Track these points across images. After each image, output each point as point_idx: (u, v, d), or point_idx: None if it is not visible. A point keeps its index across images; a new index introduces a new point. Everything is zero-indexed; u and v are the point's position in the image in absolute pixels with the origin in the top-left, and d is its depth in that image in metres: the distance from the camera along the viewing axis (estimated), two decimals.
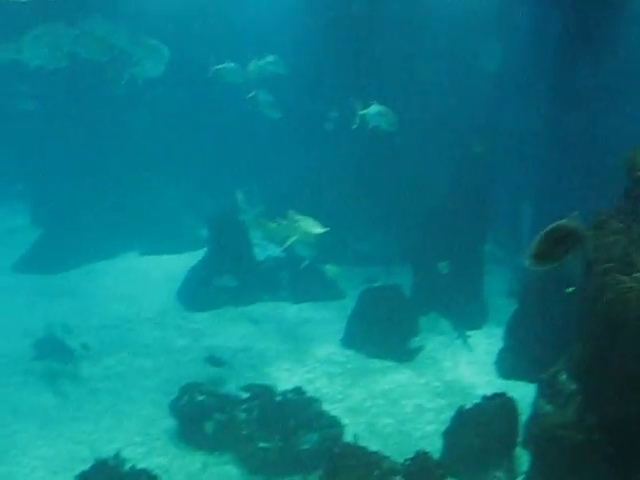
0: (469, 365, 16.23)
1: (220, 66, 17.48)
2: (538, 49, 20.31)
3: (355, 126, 15.27)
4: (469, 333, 17.59)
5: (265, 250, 20.53)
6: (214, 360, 15.29)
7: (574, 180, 18.32)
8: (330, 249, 15.04)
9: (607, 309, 10.21)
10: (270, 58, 18.41)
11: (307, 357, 16.40)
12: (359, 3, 20.02)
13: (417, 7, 18.05)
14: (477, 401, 12.34)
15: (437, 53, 19.53)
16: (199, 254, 20.20)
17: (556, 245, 7.34)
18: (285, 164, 22.49)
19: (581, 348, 11.61)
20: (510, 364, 15.58)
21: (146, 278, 20.93)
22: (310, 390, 13.99)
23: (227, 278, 18.71)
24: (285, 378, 15.29)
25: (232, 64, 17.62)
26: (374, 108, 15.40)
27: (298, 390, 13.60)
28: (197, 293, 19.11)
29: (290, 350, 16.71)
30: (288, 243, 13.42)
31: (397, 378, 15.53)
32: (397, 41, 20.16)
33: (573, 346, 12.23)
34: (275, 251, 20.19)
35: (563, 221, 7.44)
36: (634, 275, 10.55)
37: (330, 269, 18.03)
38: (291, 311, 19.06)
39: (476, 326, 18.05)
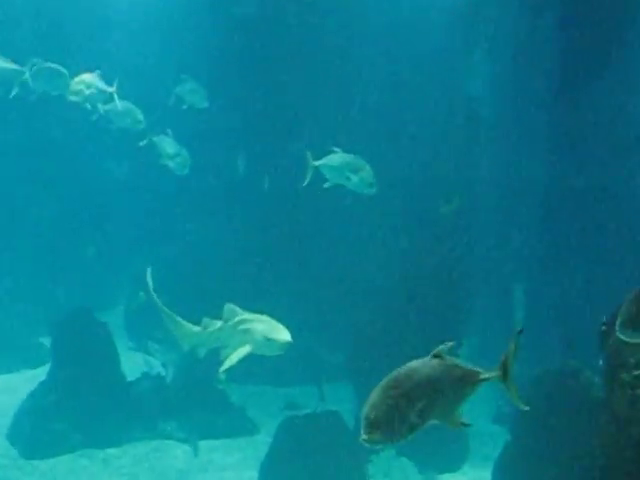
0: None
1: (107, 106, 14.37)
2: (535, 72, 17.65)
3: (306, 182, 12.65)
4: (442, 477, 14.85)
5: (142, 365, 17.31)
6: None
7: (580, 251, 16.35)
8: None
9: None
10: (189, 85, 16.06)
11: None
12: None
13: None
14: None
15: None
16: (39, 373, 16.65)
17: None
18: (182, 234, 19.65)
19: None
20: None
21: None
22: None
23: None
24: None
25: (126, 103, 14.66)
26: (338, 158, 12.56)
27: None
28: (37, 431, 15.18)
29: None
30: (240, 356, 9.74)
31: None
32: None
33: None
34: (156, 366, 17.24)
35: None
36: None
37: (235, 390, 16.04)
38: (180, 452, 15.59)
39: (452, 467, 15.13)
